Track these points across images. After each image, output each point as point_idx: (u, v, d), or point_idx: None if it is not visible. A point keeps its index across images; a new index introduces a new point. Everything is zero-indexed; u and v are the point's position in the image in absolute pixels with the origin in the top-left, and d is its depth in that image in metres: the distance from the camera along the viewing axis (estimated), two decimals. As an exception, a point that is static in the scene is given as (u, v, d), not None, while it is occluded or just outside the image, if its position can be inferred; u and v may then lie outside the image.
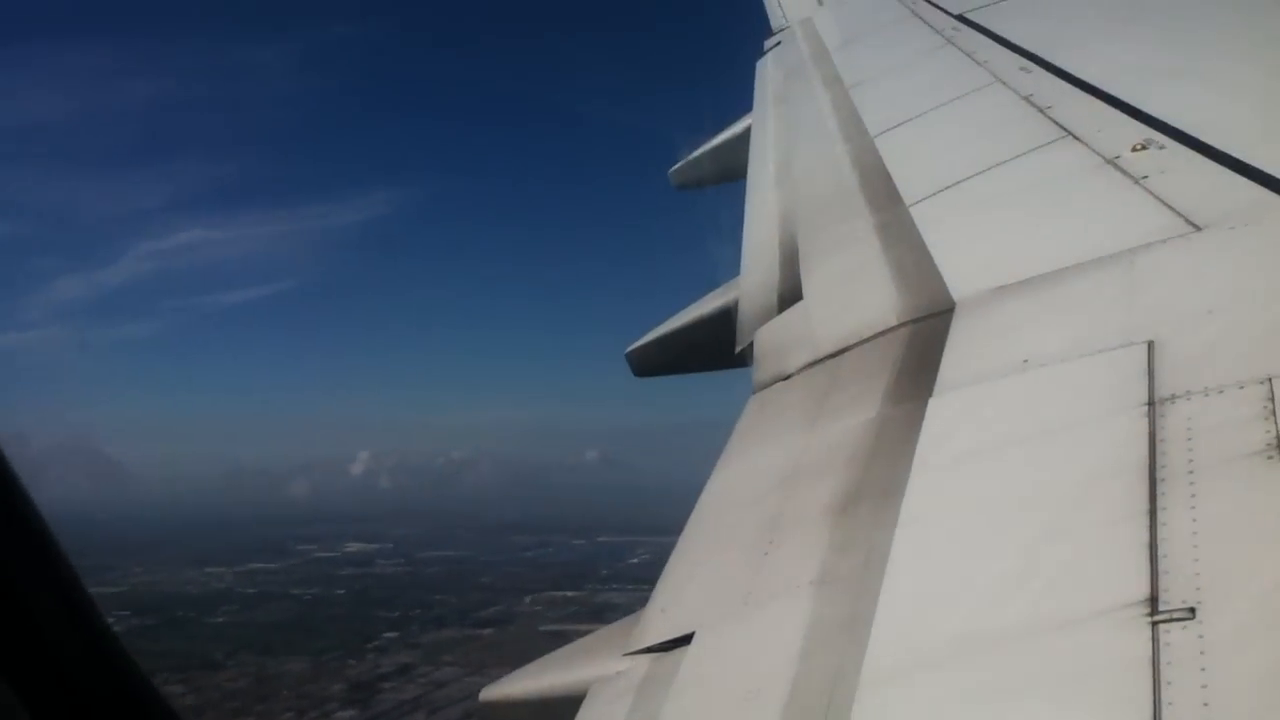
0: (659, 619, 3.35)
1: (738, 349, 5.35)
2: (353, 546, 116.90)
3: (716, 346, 5.96)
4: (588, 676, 3.37)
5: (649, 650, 3.24)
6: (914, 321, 4.07)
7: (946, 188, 5.05)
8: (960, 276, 4.16)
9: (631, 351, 7.54)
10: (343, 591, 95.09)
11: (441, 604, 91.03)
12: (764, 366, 4.72)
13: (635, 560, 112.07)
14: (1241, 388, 2.65)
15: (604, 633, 3.81)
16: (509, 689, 3.98)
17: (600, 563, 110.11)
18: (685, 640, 3.12)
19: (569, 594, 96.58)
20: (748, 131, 9.29)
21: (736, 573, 3.27)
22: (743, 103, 10.36)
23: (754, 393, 4.55)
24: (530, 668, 3.96)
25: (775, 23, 12.04)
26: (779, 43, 11.07)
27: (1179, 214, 3.68)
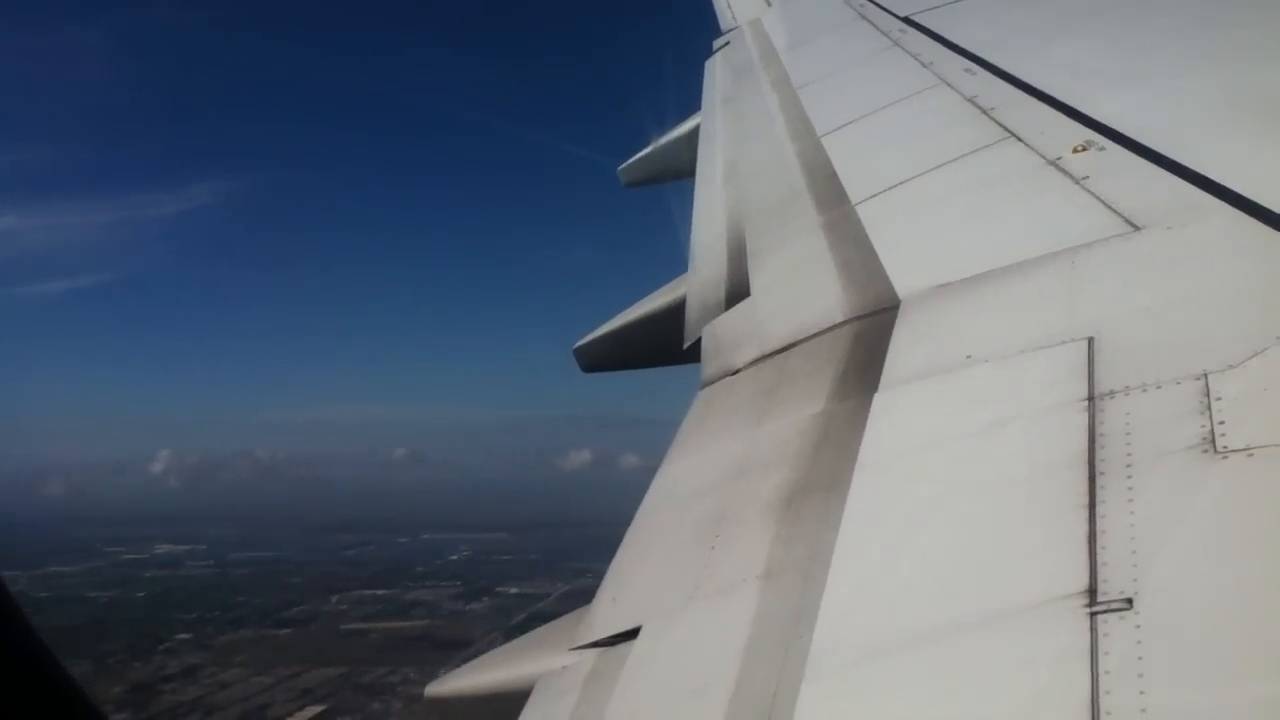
0: (606, 613, 3.35)
1: (686, 344, 5.36)
2: (162, 548, 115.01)
3: (664, 342, 5.97)
4: (534, 671, 3.36)
5: (596, 644, 3.24)
6: (859, 318, 4.11)
7: (892, 187, 5.10)
8: (905, 274, 4.20)
9: (579, 347, 7.54)
10: (142, 594, 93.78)
11: (244, 605, 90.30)
12: (711, 362, 4.73)
13: (455, 557, 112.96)
14: (1178, 383, 2.70)
15: (551, 627, 3.80)
16: (455, 684, 3.95)
17: (418, 560, 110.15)
18: (632, 634, 3.13)
19: (379, 592, 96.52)
20: (697, 130, 9.33)
21: (683, 567, 3.28)
22: (691, 102, 10.41)
23: (701, 388, 4.56)
24: (476, 663, 3.94)
25: (724, 23, 12.09)
26: (728, 43, 11.11)
27: (1118, 214, 3.75)
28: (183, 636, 79.39)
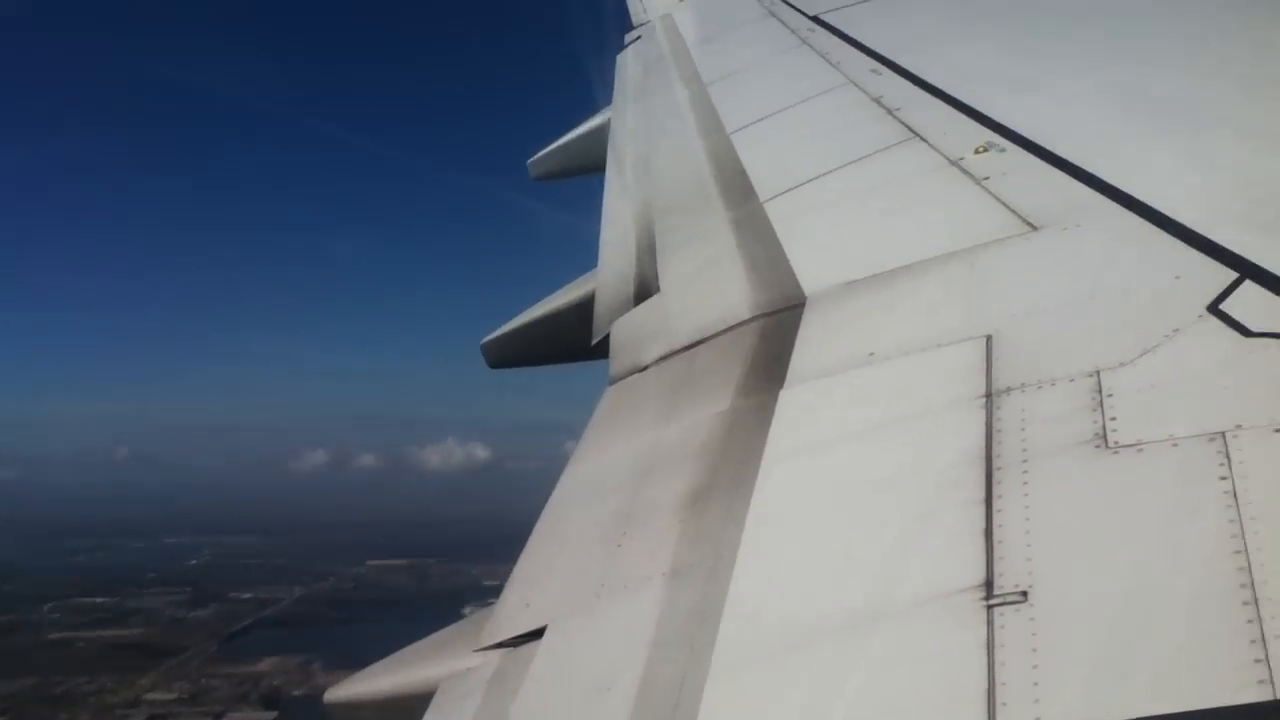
0: (511, 613, 3.31)
1: (594, 340, 5.34)
2: None
3: (573, 337, 5.94)
4: (438, 674, 3.31)
5: (500, 645, 3.20)
6: (767, 315, 4.13)
7: (800, 185, 5.15)
8: (811, 272, 4.24)
9: (487, 343, 7.46)
10: None
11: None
12: (620, 358, 4.72)
13: (194, 562, 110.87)
14: (1072, 380, 2.77)
15: (456, 628, 3.75)
16: (356, 689, 3.88)
17: (152, 565, 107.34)
18: (537, 634, 3.10)
19: (98, 600, 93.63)
20: (607, 124, 9.30)
21: (589, 566, 3.26)
22: (603, 95, 10.38)
23: (609, 384, 4.55)
24: (379, 666, 3.87)
25: (636, 17, 12.08)
26: (639, 37, 11.10)
27: (1017, 214, 3.83)
28: None
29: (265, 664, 78.28)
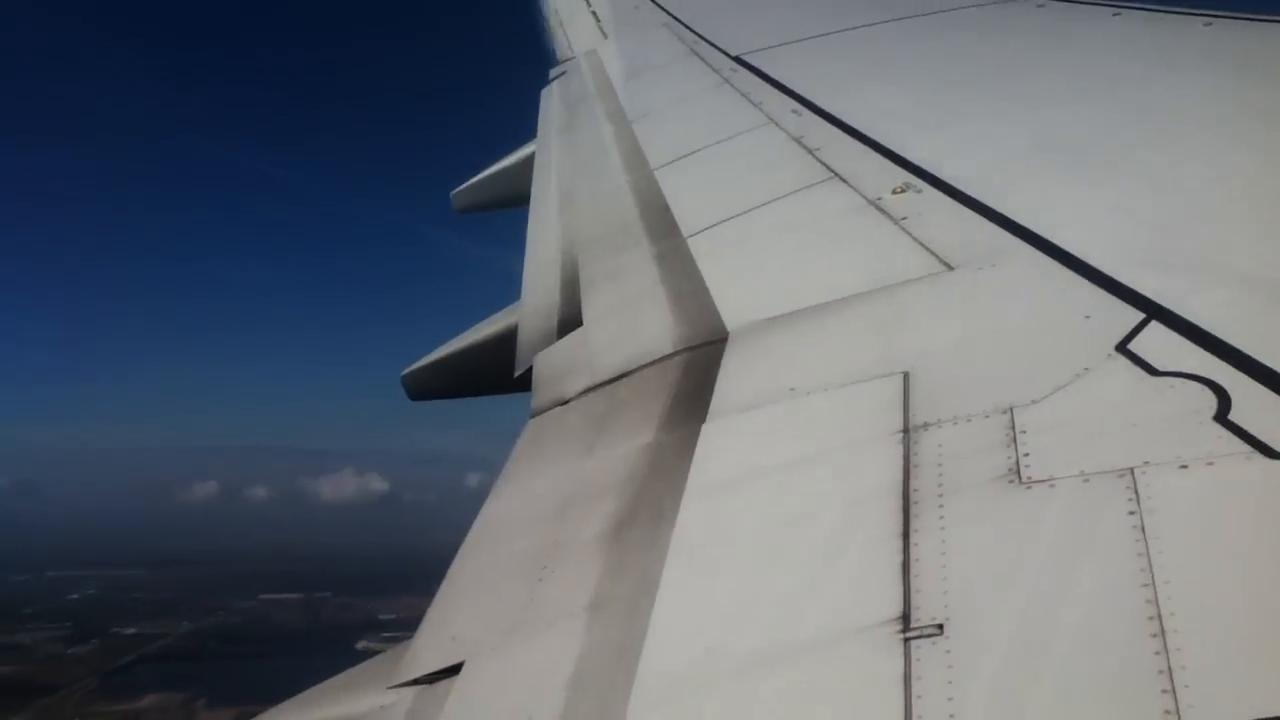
0: (427, 649, 3.25)
1: (517, 373, 5.31)
2: None
3: (496, 370, 5.90)
4: (351, 712, 3.24)
5: (416, 682, 3.14)
6: (689, 349, 4.15)
7: (723, 221, 5.20)
8: (733, 307, 4.28)
9: (407, 374, 7.38)
10: None
11: None
12: (542, 391, 4.69)
13: (75, 596, 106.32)
14: (986, 417, 2.83)
15: (371, 664, 3.66)
16: None
17: (30, 600, 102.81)
18: (455, 670, 3.05)
19: None
20: (531, 157, 9.31)
21: (509, 600, 3.22)
22: (527, 129, 10.39)
23: (531, 417, 4.52)
24: (291, 703, 3.76)
25: (561, 53, 12.14)
26: (564, 73, 11.15)
27: (934, 254, 3.92)
28: None
29: (146, 701, 74.83)
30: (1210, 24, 5.80)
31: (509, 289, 6.68)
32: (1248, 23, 5.63)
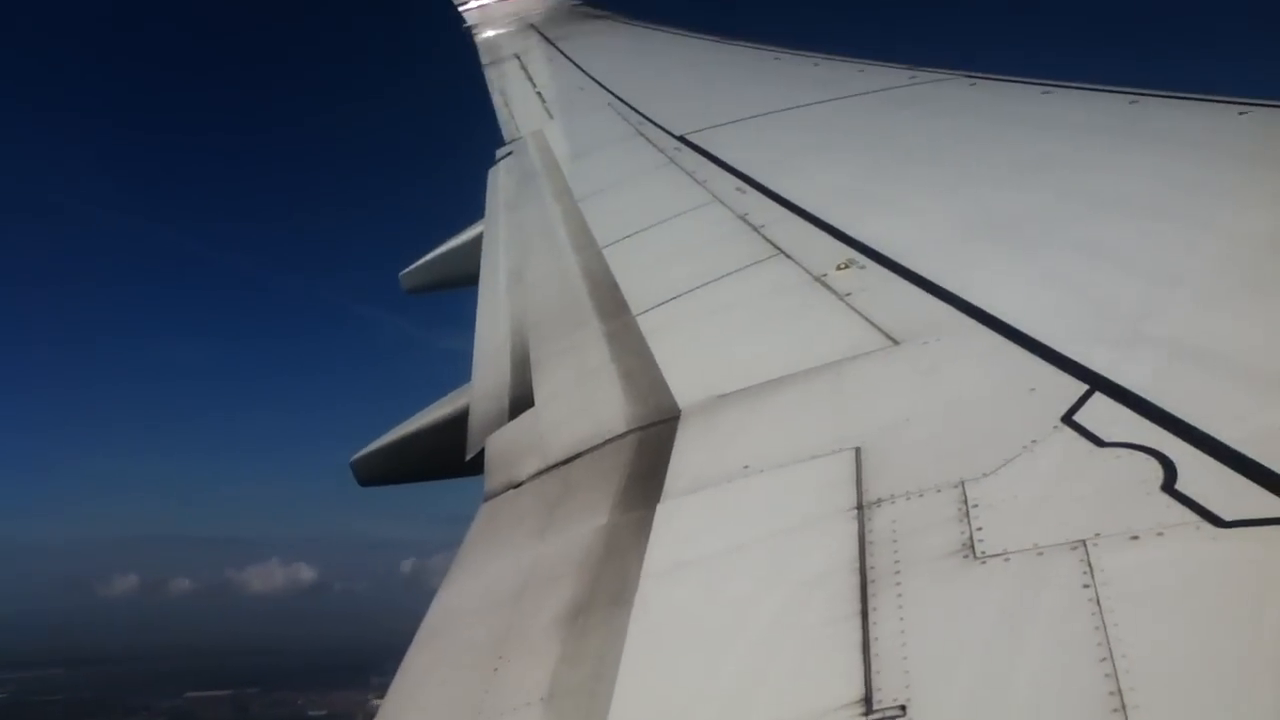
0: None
1: (468, 456, 5.26)
2: None
3: (447, 453, 5.84)
4: None
5: None
6: (642, 428, 4.15)
7: (671, 299, 5.24)
8: (685, 385, 4.29)
9: (357, 460, 7.28)
10: None
11: None
12: (495, 474, 4.65)
13: None
14: (939, 491, 2.85)
15: None
16: None
17: None
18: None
19: None
20: (479, 238, 9.35)
21: (464, 690, 3.16)
22: (474, 209, 10.46)
23: (485, 501, 4.47)
24: None
25: (508, 133, 12.28)
26: (510, 153, 11.27)
27: (879, 329, 3.97)
28: None
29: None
30: (1135, 101, 6.01)
31: (459, 371, 6.68)
32: (1170, 100, 5.85)
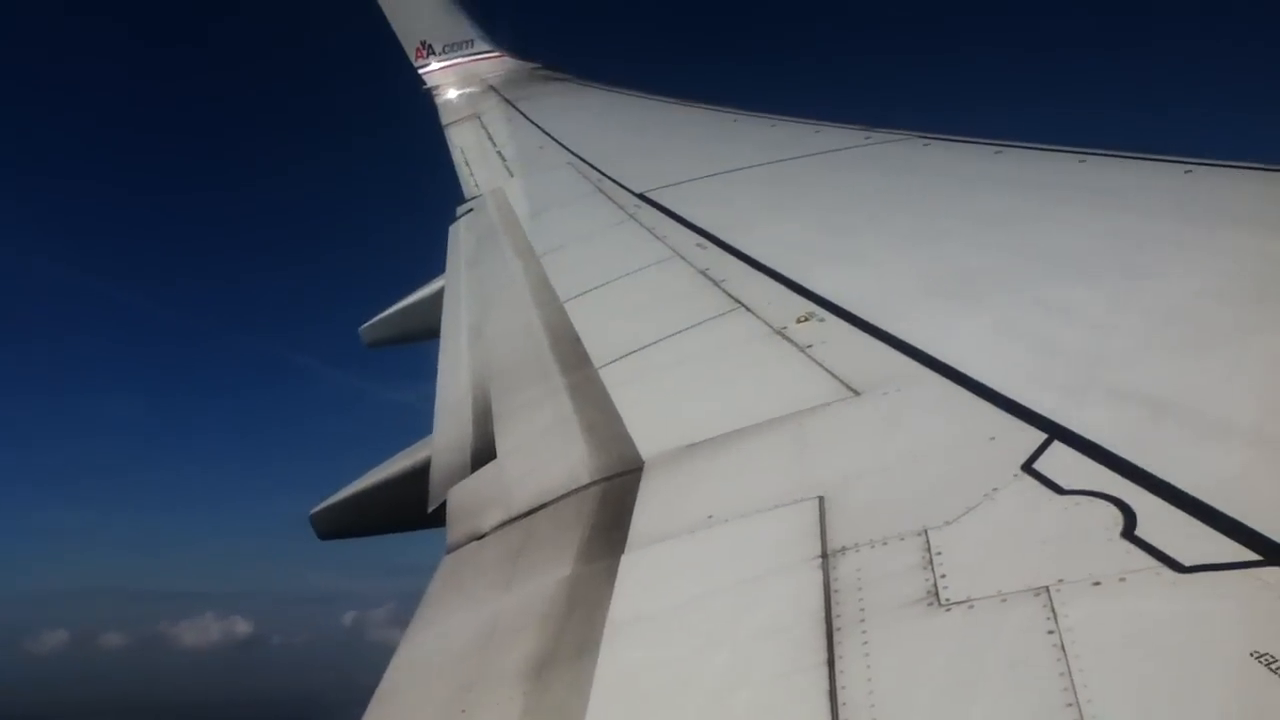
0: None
1: (430, 508, 5.22)
2: None
3: (407, 506, 5.79)
4: None
5: None
6: (605, 479, 4.15)
7: (634, 351, 5.27)
8: (648, 436, 4.31)
9: (316, 513, 7.19)
10: None
11: None
12: (457, 526, 4.62)
13: None
14: (902, 539, 2.87)
15: None
16: None
17: None
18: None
19: None
20: (440, 292, 9.37)
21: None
22: (434, 266, 10.49)
23: (447, 553, 4.43)
24: None
25: (468, 191, 12.35)
26: (471, 210, 11.33)
27: (840, 380, 4.02)
28: None
29: None
30: (1084, 160, 6.18)
31: (416, 425, 6.64)
32: (1119, 160, 6.02)
